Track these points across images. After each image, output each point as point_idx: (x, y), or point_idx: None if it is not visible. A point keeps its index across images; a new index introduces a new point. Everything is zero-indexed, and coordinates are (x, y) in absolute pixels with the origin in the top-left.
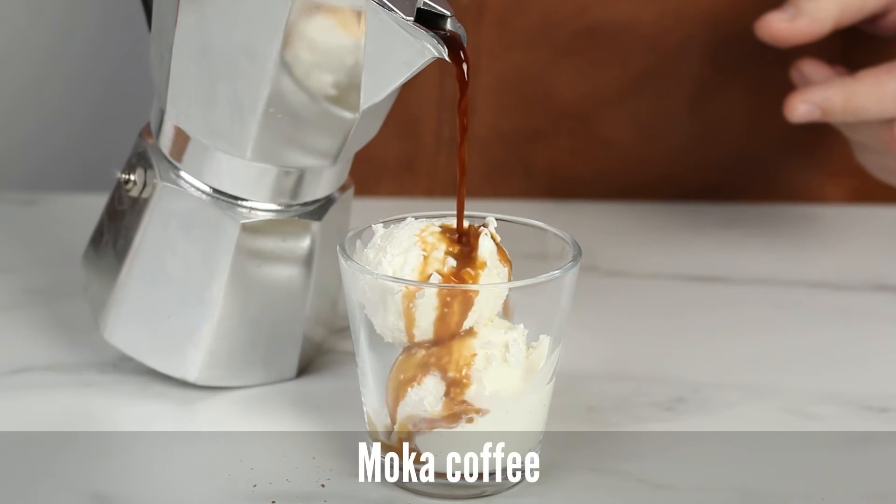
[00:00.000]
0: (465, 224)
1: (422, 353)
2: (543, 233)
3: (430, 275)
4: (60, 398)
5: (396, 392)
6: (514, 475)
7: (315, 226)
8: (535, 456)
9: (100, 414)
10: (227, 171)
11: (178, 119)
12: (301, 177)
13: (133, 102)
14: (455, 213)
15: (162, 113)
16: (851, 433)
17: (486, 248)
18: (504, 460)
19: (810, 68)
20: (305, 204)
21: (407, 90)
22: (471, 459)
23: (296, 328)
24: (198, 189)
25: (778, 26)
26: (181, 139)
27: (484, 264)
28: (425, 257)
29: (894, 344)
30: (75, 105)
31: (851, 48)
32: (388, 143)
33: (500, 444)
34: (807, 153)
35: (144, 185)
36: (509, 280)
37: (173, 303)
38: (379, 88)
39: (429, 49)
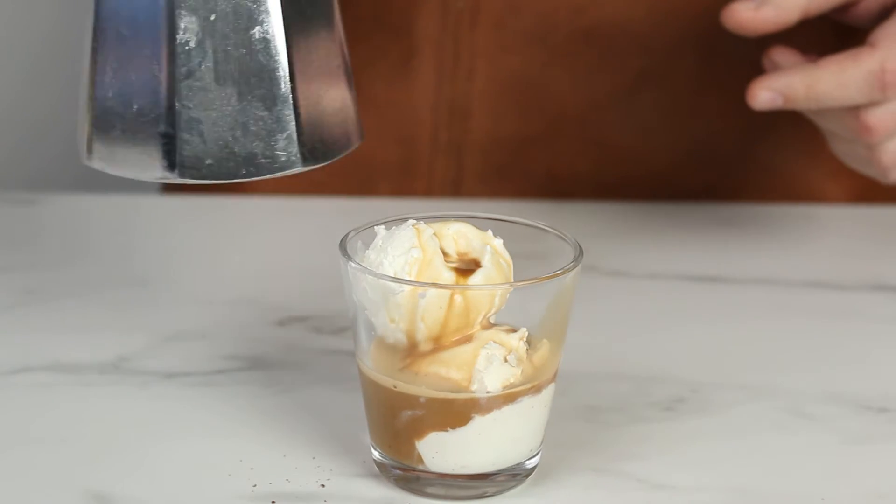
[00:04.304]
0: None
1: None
2: (544, 233)
3: (431, 275)
4: (60, 398)
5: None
6: (515, 475)
7: None
8: (536, 456)
9: (100, 414)
10: None
11: None
12: None
13: None
14: (456, 215)
15: None
16: (851, 433)
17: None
18: (504, 461)
19: (781, 56)
20: None
21: (404, 95)
22: (471, 460)
23: (280, 95)
24: None
25: (743, 15)
26: None
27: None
28: (426, 258)
29: (894, 344)
30: (75, 105)
31: (843, 43)
32: (386, 147)
33: (501, 445)
34: (806, 153)
35: None
36: (510, 280)
37: (138, 88)
38: None
39: None
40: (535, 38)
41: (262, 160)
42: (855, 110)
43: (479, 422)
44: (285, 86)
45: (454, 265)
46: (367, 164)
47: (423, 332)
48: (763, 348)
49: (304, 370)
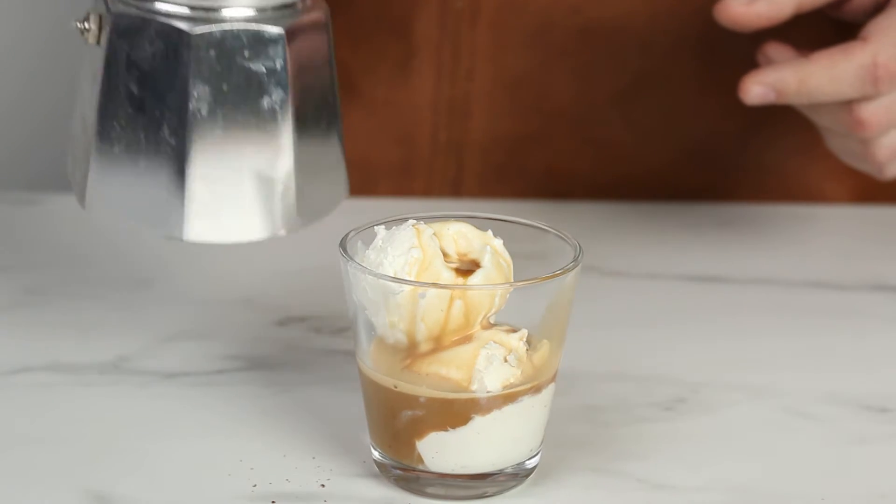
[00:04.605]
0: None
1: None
2: (544, 233)
3: (431, 275)
4: (60, 398)
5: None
6: (515, 475)
7: (277, 32)
8: (536, 456)
9: (100, 414)
10: None
11: None
12: None
13: None
14: (456, 215)
15: None
16: (851, 433)
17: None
18: (504, 461)
19: (775, 51)
20: (266, 13)
21: (403, 95)
22: (471, 460)
23: (282, 164)
24: (149, 11)
25: (736, 10)
26: None
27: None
28: (426, 258)
29: (894, 344)
30: (75, 105)
31: (842, 39)
32: (385, 148)
33: (501, 445)
34: (806, 152)
35: (100, 29)
36: (510, 280)
37: (143, 149)
38: None
39: None
40: (535, 38)
41: (261, 221)
42: (848, 105)
43: (479, 422)
44: (289, 152)
45: (454, 265)
46: (367, 164)
47: (423, 332)
48: (763, 348)
49: (304, 370)
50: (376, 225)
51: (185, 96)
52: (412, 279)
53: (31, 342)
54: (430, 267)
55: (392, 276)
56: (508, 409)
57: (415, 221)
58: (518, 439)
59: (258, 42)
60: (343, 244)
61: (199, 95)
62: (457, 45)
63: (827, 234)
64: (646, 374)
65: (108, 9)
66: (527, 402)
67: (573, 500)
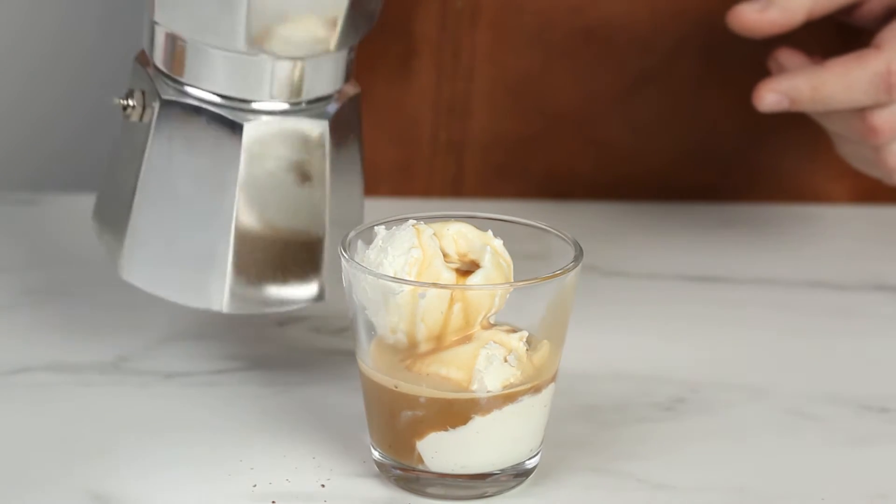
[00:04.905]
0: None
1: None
2: (544, 233)
3: (431, 275)
4: (60, 398)
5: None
6: (515, 475)
7: (324, 124)
8: (536, 456)
9: (100, 414)
10: (224, 71)
11: (168, 22)
12: (301, 69)
13: None
14: (456, 215)
15: (153, 26)
16: (851, 433)
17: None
18: (504, 461)
19: (786, 58)
20: (311, 103)
21: (403, 95)
22: (471, 460)
23: (317, 241)
24: (198, 98)
25: (748, 16)
26: (175, 48)
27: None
28: (426, 258)
29: (894, 344)
30: (75, 105)
31: (847, 45)
32: (385, 148)
33: (501, 445)
34: (806, 153)
35: (144, 107)
36: (510, 280)
37: (188, 226)
38: None
39: None
40: (535, 38)
41: (291, 296)
42: (861, 112)
43: (479, 422)
44: (324, 227)
45: (454, 265)
46: (367, 164)
47: (423, 332)
48: (763, 348)
49: (304, 370)
50: (376, 225)
51: (231, 181)
52: (412, 279)
53: (31, 342)
54: (430, 267)
55: (392, 276)
56: (508, 409)
57: (415, 221)
58: (518, 439)
59: (304, 134)
60: (343, 244)
61: (245, 181)
62: (457, 45)
63: (827, 234)
64: (646, 374)
65: (154, 88)
66: (527, 402)
67: (573, 500)
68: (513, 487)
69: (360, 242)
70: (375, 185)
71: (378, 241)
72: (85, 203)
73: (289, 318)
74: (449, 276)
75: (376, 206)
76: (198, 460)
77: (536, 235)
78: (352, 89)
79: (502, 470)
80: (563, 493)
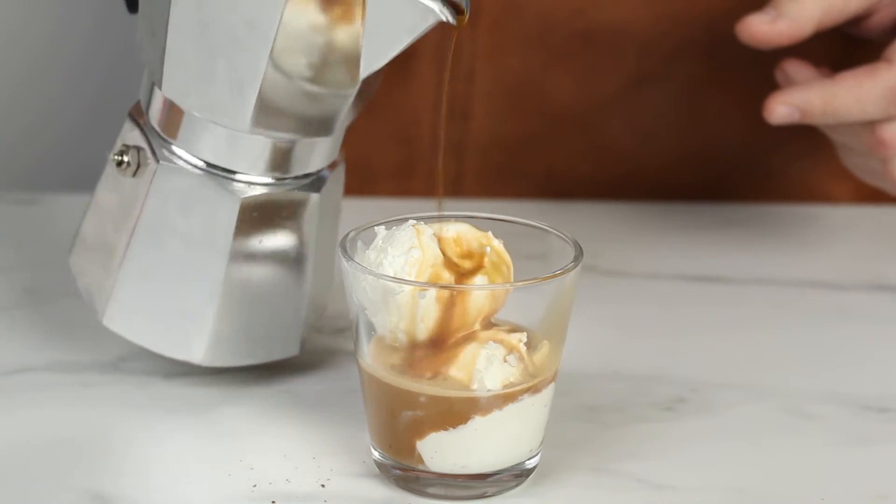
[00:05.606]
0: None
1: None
2: (544, 233)
3: (432, 275)
4: (60, 398)
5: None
6: (515, 475)
7: (314, 198)
8: (536, 456)
9: (100, 414)
10: (223, 145)
11: (175, 96)
12: (296, 149)
13: (132, 102)
14: (456, 215)
15: (152, 90)
16: (851, 433)
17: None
18: (504, 461)
19: (794, 69)
20: (299, 178)
21: (404, 94)
22: (471, 460)
23: (299, 303)
24: (194, 165)
25: (758, 28)
26: (175, 115)
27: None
28: (426, 258)
29: (894, 344)
30: (74, 104)
31: (851, 52)
32: (386, 148)
33: (501, 445)
34: (806, 153)
35: (138, 165)
36: (510, 280)
37: (174, 284)
38: (380, 55)
39: (433, 12)
40: (535, 39)
41: (271, 353)
42: (870, 125)
43: (479, 422)
44: (306, 291)
45: (454, 266)
46: (368, 164)
47: (423, 332)
48: (763, 348)
49: (305, 370)
50: (376, 225)
51: (223, 246)
52: (412, 279)
53: (31, 342)
54: (429, 267)
55: (392, 276)
56: (508, 409)
57: (415, 221)
58: (518, 439)
59: (296, 206)
60: (343, 244)
61: (237, 248)
62: (457, 45)
63: (827, 234)
64: (646, 374)
65: (150, 147)
66: (527, 402)
67: (573, 500)
68: (513, 487)
69: (360, 242)
70: (375, 185)
71: (378, 241)
72: (85, 203)
73: None
74: (449, 277)
75: (376, 206)
76: (198, 460)
77: (536, 235)
78: (339, 157)
79: (502, 470)
80: (563, 493)
